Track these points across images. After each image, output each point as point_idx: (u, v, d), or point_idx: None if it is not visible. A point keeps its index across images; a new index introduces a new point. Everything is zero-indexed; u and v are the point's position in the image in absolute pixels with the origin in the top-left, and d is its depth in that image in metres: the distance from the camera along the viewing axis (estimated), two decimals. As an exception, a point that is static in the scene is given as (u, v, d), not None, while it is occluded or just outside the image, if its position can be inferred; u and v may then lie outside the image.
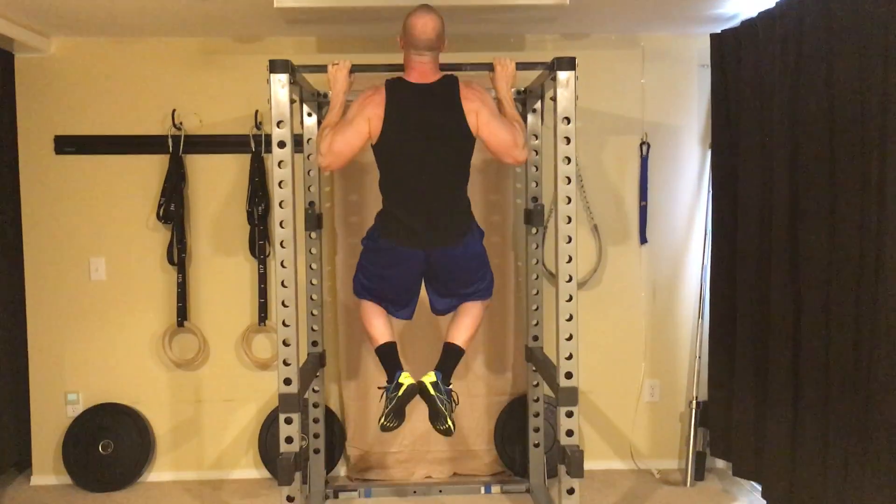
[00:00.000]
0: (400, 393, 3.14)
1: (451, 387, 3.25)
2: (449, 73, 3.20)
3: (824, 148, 3.06)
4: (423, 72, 3.16)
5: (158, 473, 4.28)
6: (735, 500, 3.94)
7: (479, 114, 3.13)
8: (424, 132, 3.13)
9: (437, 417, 3.16)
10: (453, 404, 3.22)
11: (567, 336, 3.18)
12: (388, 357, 3.30)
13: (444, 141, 3.15)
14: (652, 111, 4.25)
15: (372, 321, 3.34)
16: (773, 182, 3.40)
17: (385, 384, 3.23)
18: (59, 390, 4.23)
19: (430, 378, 3.18)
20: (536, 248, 3.97)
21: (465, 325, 3.34)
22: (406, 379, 3.18)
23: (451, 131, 3.14)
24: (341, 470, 4.31)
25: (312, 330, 3.94)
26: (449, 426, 3.15)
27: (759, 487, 3.64)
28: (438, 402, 3.14)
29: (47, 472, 4.23)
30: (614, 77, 4.24)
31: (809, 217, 3.16)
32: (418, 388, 3.18)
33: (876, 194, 2.77)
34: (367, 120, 3.12)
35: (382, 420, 3.16)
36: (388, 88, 3.15)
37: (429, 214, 3.16)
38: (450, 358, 3.31)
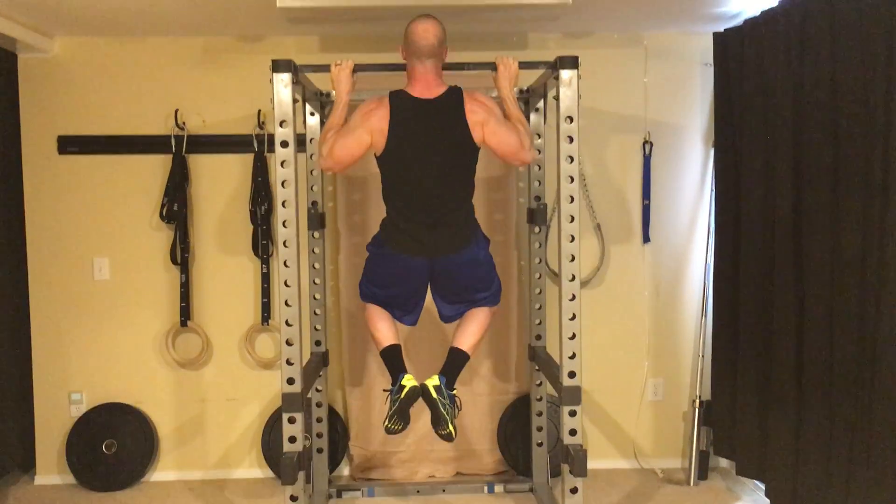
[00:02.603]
0: (402, 395, 3.13)
1: (454, 392, 3.22)
2: (453, 85, 3.18)
3: (828, 147, 3.06)
4: (426, 83, 3.13)
5: (162, 473, 4.28)
6: (739, 500, 3.93)
7: (485, 124, 3.12)
8: (429, 147, 3.12)
9: (438, 422, 3.14)
10: (456, 409, 3.21)
11: (570, 335, 3.18)
12: (393, 359, 3.29)
13: (448, 155, 3.14)
14: (655, 110, 4.25)
15: (377, 324, 3.33)
16: (776, 181, 3.39)
17: (389, 387, 3.22)
18: (63, 390, 4.23)
19: (433, 381, 3.16)
20: (539, 246, 3.97)
21: (471, 330, 3.32)
22: (409, 381, 3.16)
23: (456, 145, 3.13)
24: (345, 469, 4.31)
25: (315, 329, 3.95)
26: (450, 431, 3.13)
27: (763, 486, 3.64)
28: (441, 407, 3.12)
29: (51, 471, 4.24)
30: (617, 76, 4.23)
31: (812, 216, 3.15)
32: (421, 391, 3.16)
33: (880, 195, 2.77)
34: (370, 132, 3.11)
35: (387, 423, 3.15)
36: (393, 102, 3.12)
37: (432, 225, 3.15)
38: (455, 363, 3.29)
